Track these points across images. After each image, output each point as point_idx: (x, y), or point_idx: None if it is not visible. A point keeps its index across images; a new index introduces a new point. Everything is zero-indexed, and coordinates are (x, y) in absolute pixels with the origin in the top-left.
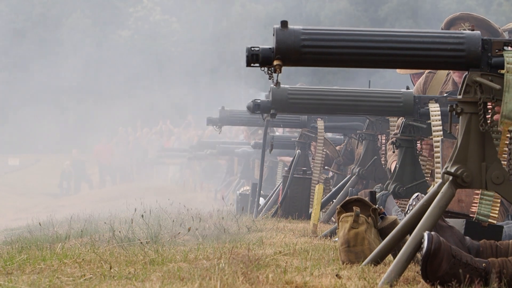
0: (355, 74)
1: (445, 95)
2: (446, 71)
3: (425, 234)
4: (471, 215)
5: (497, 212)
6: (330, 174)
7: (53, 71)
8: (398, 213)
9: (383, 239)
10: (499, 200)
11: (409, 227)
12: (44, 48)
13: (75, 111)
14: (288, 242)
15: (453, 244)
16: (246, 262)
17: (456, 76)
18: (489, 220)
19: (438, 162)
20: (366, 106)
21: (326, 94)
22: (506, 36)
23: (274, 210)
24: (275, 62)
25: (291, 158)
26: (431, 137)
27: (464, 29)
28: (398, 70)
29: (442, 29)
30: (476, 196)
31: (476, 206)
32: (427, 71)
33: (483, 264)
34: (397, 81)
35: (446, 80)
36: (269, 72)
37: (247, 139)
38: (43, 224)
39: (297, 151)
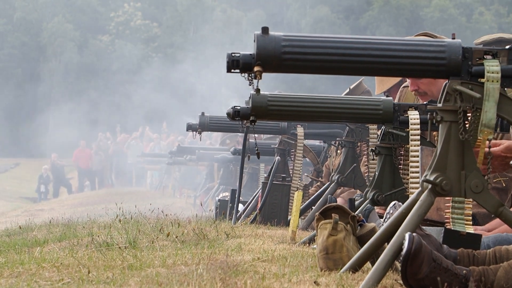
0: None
1: (424, 103)
2: None
3: (406, 235)
4: (446, 222)
5: (470, 219)
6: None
7: (33, 75)
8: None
9: (361, 246)
10: (470, 206)
11: (388, 234)
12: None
13: (55, 115)
14: (266, 248)
15: None
16: (225, 268)
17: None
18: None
19: (414, 172)
20: (345, 113)
21: (306, 101)
22: None
23: (253, 216)
24: (256, 68)
25: None
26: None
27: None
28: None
29: None
30: (448, 204)
31: (449, 212)
32: (403, 85)
33: (464, 271)
34: None
35: None
36: (250, 78)
37: (227, 144)
38: (22, 228)
39: (277, 158)
